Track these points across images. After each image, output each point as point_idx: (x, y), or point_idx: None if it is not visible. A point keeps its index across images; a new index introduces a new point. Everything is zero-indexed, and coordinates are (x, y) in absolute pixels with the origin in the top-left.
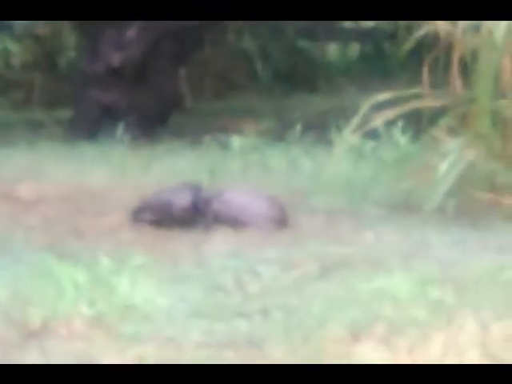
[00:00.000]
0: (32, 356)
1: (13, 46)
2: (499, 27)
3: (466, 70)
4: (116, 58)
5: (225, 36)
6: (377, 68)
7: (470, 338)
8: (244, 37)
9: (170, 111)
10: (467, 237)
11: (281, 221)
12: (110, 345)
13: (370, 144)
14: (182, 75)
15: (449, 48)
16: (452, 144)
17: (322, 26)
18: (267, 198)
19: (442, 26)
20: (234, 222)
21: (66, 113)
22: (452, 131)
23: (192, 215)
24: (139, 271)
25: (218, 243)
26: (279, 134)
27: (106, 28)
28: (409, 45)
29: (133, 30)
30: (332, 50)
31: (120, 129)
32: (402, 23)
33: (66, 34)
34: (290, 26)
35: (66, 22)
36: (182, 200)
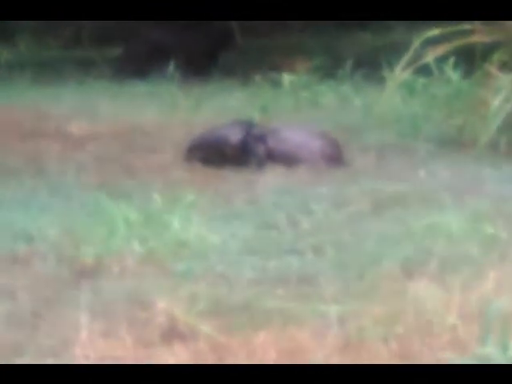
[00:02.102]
0: (85, 293)
1: None
2: None
3: None
4: None
5: None
6: None
7: None
8: None
9: (220, 49)
10: None
11: (336, 158)
12: (162, 282)
13: (422, 80)
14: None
15: None
16: (504, 79)
17: None
18: (322, 135)
19: None
20: (289, 159)
21: (116, 51)
22: (504, 66)
23: (244, 152)
24: (191, 209)
25: (271, 181)
26: (330, 72)
27: None
28: None
29: None
30: None
31: (170, 67)
32: None
33: None
34: None
35: None
36: (235, 136)
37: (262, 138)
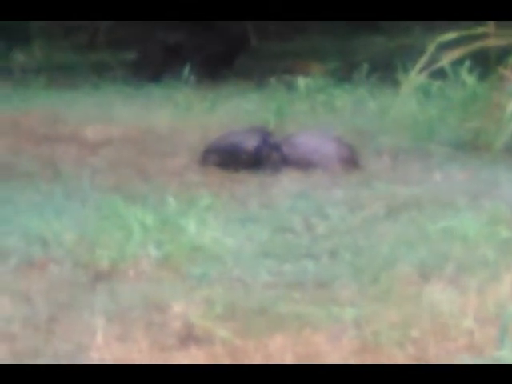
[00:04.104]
0: (101, 297)
1: None
2: None
3: None
4: None
5: None
6: None
7: None
8: None
9: (235, 52)
10: None
11: (351, 162)
12: (178, 286)
13: (437, 83)
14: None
15: None
16: None
17: None
18: (337, 139)
19: None
20: (304, 164)
21: (130, 54)
22: None
23: (260, 159)
24: (207, 212)
25: (286, 185)
26: (345, 75)
27: None
28: None
29: None
30: None
31: (185, 70)
32: None
33: None
34: None
35: None
36: (251, 143)
37: (277, 146)
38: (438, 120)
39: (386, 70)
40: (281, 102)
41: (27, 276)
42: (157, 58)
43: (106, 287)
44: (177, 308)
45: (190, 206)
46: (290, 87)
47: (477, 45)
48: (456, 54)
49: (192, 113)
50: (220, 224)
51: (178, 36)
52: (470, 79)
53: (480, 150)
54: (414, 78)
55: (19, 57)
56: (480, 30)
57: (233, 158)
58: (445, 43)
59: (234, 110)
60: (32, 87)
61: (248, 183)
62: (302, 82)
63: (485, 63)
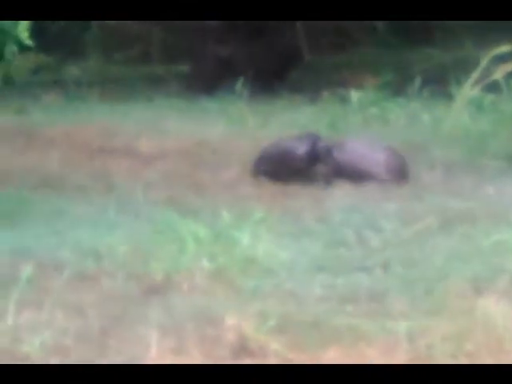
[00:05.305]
0: (154, 310)
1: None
2: None
3: None
4: None
5: None
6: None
7: None
8: None
9: (288, 65)
10: None
11: (401, 171)
12: (231, 299)
13: (490, 97)
14: (299, 29)
15: None
16: None
17: None
18: (388, 148)
19: None
20: (354, 171)
21: (184, 67)
22: None
23: (311, 164)
24: (260, 225)
25: (339, 198)
26: (398, 88)
27: None
28: None
29: None
30: None
31: (239, 83)
32: None
33: None
34: None
35: None
36: (301, 149)
37: (327, 150)
38: (490, 133)
39: (440, 84)
40: (334, 116)
41: (80, 289)
42: (210, 71)
43: (159, 300)
44: (230, 321)
45: (243, 219)
46: (343, 100)
47: None
48: (509, 67)
49: (245, 126)
50: (273, 237)
51: (231, 50)
52: None
53: None
54: (467, 91)
55: (73, 70)
56: None
57: (284, 166)
58: (498, 56)
59: (287, 123)
60: (86, 100)
61: (300, 196)
62: (354, 95)
63: None
